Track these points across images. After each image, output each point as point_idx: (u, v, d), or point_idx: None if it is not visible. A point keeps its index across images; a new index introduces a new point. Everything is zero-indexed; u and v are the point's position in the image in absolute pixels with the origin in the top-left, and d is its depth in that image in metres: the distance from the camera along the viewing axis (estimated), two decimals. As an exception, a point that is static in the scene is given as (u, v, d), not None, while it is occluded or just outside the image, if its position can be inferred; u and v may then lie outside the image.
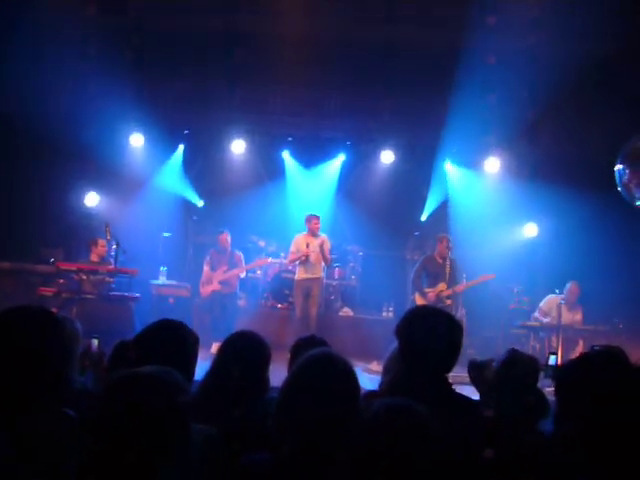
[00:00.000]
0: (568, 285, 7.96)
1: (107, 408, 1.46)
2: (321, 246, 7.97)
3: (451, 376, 2.37)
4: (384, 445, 1.51)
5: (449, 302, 7.72)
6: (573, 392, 1.64)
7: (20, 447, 1.64)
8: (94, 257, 7.95)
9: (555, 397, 1.76)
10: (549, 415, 2.48)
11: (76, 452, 1.64)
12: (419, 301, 7.78)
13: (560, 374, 1.80)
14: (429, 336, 2.25)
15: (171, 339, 2.29)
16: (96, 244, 7.93)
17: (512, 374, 2.61)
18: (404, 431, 1.52)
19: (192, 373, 2.33)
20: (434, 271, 7.89)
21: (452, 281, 7.86)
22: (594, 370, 1.66)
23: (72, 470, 1.59)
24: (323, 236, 8.15)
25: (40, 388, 1.92)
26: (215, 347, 7.53)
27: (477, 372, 2.75)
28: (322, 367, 1.86)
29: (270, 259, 9.08)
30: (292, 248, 8.27)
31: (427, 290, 7.84)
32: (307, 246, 7.99)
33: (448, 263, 7.86)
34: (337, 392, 1.81)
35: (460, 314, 7.83)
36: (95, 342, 2.86)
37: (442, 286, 7.80)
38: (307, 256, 7.96)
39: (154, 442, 1.44)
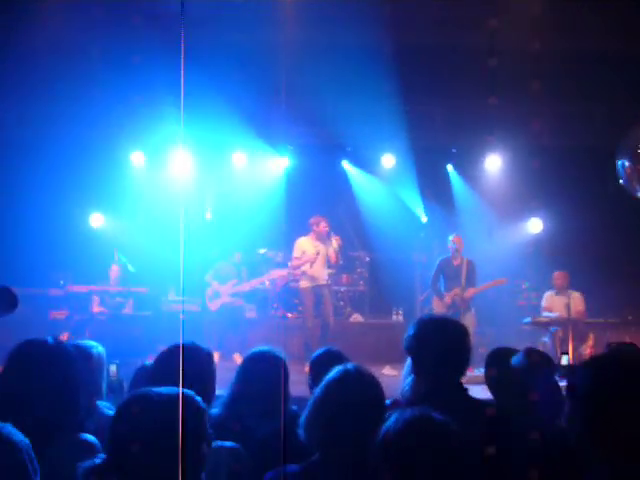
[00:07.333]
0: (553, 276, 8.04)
1: (116, 427, 1.50)
2: (337, 249, 7.69)
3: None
4: (403, 458, 1.55)
5: (464, 306, 7.71)
6: (583, 395, 1.65)
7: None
8: (112, 282, 8.46)
9: (567, 398, 1.77)
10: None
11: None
12: (436, 304, 7.82)
13: (572, 377, 1.79)
14: (437, 349, 2.30)
15: (185, 362, 2.33)
16: (112, 270, 8.48)
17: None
18: (421, 442, 1.56)
19: (212, 390, 2.42)
20: (450, 274, 7.86)
21: (469, 284, 7.76)
22: (607, 375, 1.65)
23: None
24: (335, 238, 7.77)
25: (55, 418, 1.95)
26: (237, 357, 7.51)
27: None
28: (352, 381, 1.97)
29: (284, 271, 9.01)
30: (296, 253, 7.73)
31: (445, 294, 7.82)
32: (318, 253, 7.62)
33: (465, 265, 7.76)
34: (367, 405, 1.92)
35: (470, 313, 7.79)
36: (113, 368, 2.89)
37: (456, 291, 7.76)
38: (313, 262, 7.58)
39: (164, 461, 1.46)
